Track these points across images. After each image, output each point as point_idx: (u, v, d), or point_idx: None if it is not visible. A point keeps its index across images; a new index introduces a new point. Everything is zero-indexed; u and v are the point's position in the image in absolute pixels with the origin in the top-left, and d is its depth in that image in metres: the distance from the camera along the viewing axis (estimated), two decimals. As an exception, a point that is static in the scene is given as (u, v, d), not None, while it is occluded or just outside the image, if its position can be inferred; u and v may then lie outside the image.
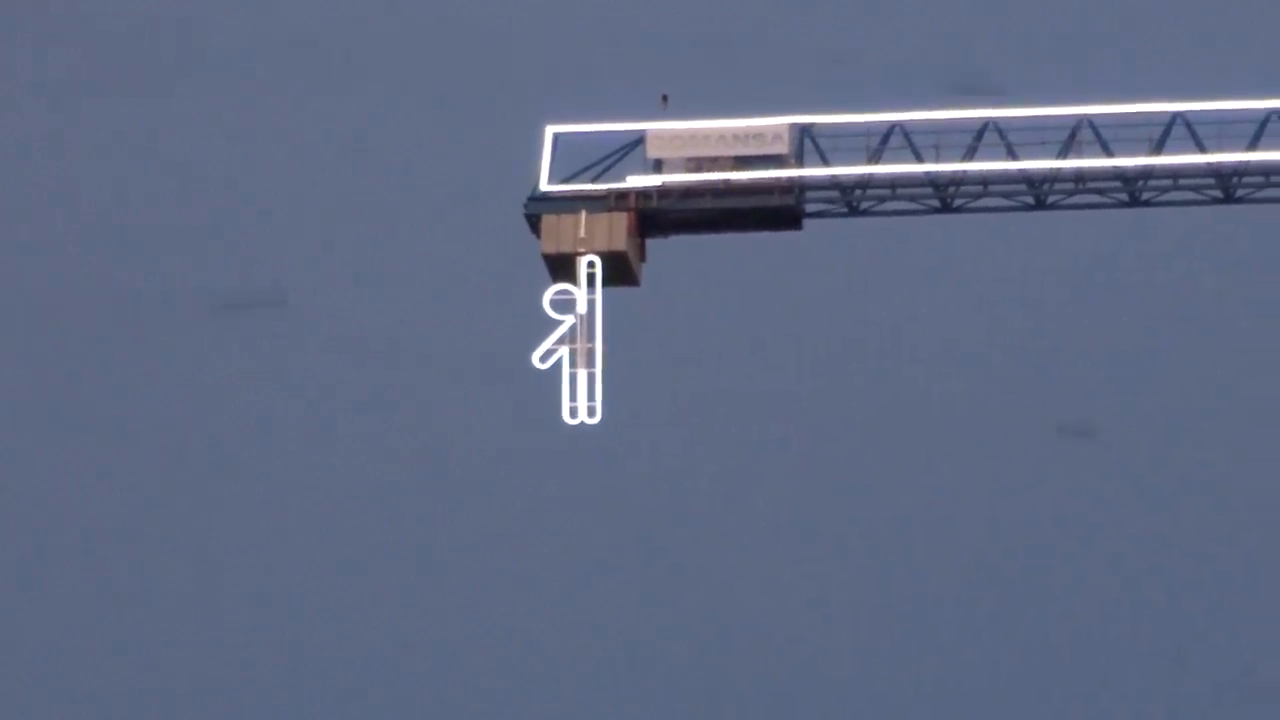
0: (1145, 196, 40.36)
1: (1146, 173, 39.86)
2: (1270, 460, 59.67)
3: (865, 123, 39.82)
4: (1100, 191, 40.35)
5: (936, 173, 39.67)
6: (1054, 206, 40.47)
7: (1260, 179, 40.10)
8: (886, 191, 40.05)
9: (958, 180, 40.01)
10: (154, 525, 75.53)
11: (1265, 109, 39.81)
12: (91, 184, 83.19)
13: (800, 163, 40.15)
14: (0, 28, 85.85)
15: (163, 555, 74.13)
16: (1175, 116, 39.60)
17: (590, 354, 40.58)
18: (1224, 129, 40.19)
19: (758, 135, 40.39)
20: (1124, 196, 40.17)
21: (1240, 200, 40.91)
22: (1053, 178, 39.81)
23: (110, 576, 74.01)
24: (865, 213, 40.41)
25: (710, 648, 60.65)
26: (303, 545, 65.30)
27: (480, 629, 58.86)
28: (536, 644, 58.64)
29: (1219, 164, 39.82)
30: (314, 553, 65.53)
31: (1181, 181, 40.20)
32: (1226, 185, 40.25)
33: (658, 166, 40.26)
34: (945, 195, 40.25)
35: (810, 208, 40.11)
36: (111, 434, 77.65)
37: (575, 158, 40.46)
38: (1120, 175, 39.93)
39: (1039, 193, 40.20)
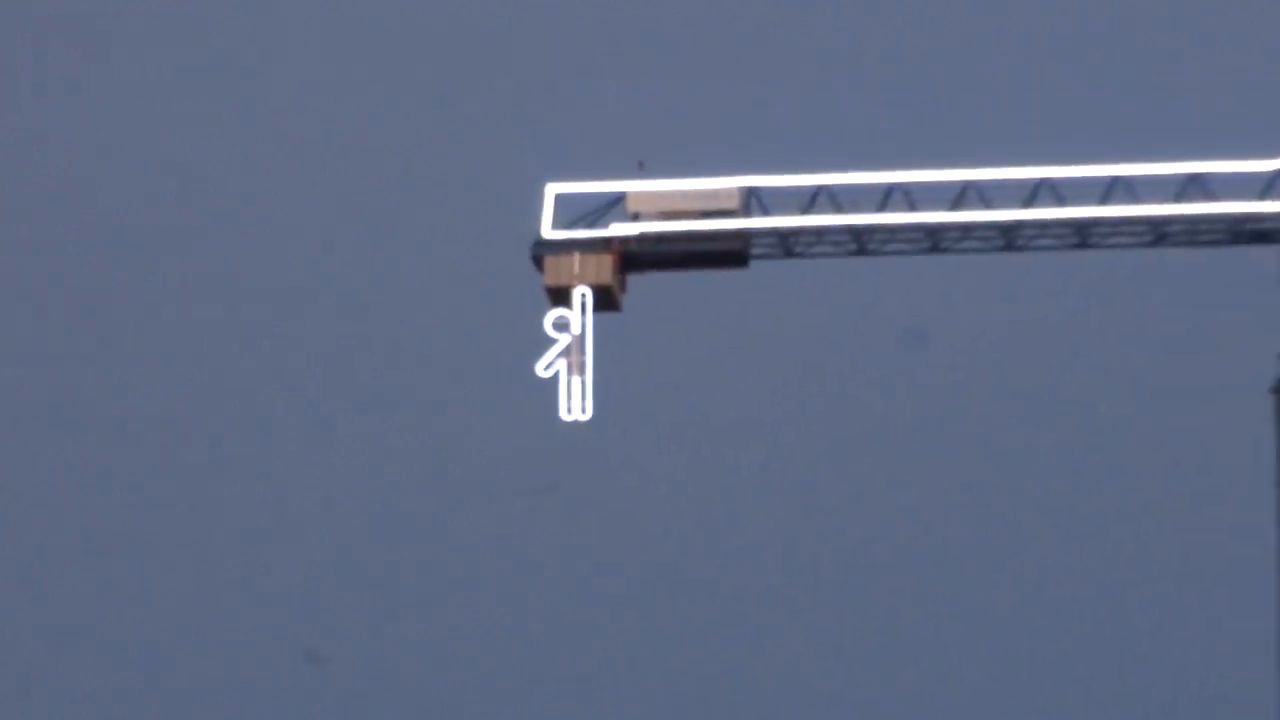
0: (1019, 244, 50.56)
1: (1019, 224, 50.01)
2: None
3: (798, 185, 49.95)
4: (983, 239, 50.60)
5: (854, 224, 49.90)
6: (946, 251, 50.54)
7: (1109, 230, 50.38)
8: (815, 238, 50.30)
9: (871, 230, 50.09)
10: (159, 523, 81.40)
11: (1113, 175, 50.04)
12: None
13: (747, 215, 50.72)
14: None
15: (165, 554, 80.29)
16: (1041, 181, 49.80)
17: (582, 365, 50.28)
18: (1081, 188, 50.35)
19: (714, 194, 49.86)
20: (1001, 244, 50.43)
21: (1097, 247, 51.16)
22: (944, 228, 50.02)
23: (111, 572, 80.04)
24: (799, 255, 50.71)
25: (686, 613, 69.94)
26: (327, 516, 73.36)
27: (485, 594, 68.47)
28: (534, 605, 68.42)
29: (1078, 218, 50.08)
30: (339, 522, 73.51)
31: (1047, 231, 50.50)
32: (1084, 235, 50.48)
33: (635, 218, 49.69)
34: (862, 242, 50.27)
35: (755, 251, 49.52)
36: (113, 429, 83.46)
37: (570, 210, 49.87)
38: (998, 226, 50.14)
39: (935, 240, 50.34)
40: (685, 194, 49.61)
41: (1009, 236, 49.20)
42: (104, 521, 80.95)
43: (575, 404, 49.24)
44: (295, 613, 75.00)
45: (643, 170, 50.10)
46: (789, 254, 49.32)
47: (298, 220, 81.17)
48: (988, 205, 48.54)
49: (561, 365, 49.22)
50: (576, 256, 49.23)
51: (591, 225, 49.57)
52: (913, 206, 48.65)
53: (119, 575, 78.97)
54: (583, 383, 49.12)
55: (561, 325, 49.34)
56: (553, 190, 49.86)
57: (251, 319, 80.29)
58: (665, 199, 49.53)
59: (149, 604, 78.44)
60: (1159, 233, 49.05)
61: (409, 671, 71.53)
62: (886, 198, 48.61)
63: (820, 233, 48.90)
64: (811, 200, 48.74)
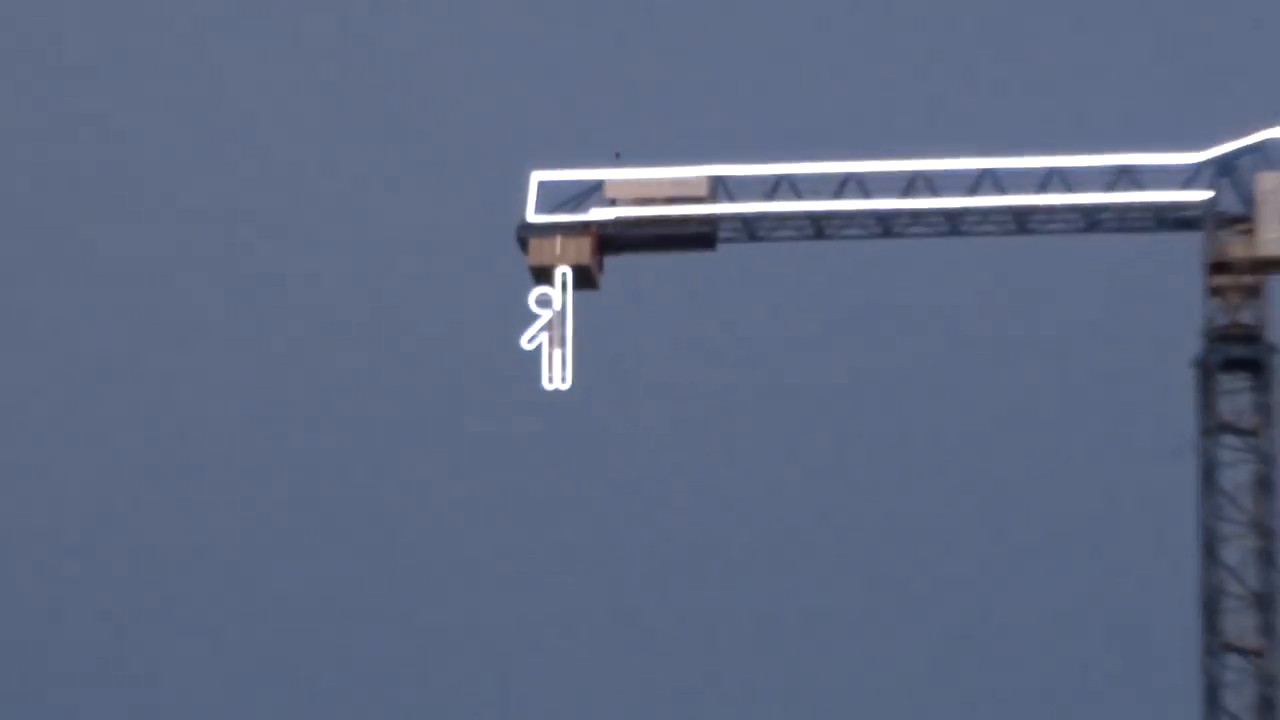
0: (963, 229, 54.99)
1: (964, 211, 54.49)
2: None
3: (761, 174, 54.24)
4: (930, 225, 54.89)
5: (813, 210, 54.35)
6: (897, 235, 54.95)
7: (1046, 217, 54.80)
8: (777, 223, 54.14)
9: (829, 215, 54.53)
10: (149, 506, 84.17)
11: (1050, 166, 54.39)
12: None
13: (714, 202, 54.31)
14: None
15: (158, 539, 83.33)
16: (984, 171, 54.17)
17: (563, 338, 54.41)
18: (1020, 178, 54.51)
19: (684, 182, 53.33)
20: (947, 229, 54.82)
21: (1035, 233, 55.53)
22: (895, 214, 54.37)
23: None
24: (762, 239, 55.07)
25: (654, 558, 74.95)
26: (318, 483, 77.57)
27: (470, 548, 73.69)
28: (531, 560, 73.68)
29: (1017, 205, 54.39)
30: (334, 488, 77.66)
31: (989, 217, 54.83)
32: (1023, 222, 54.85)
33: (612, 203, 53.48)
34: (820, 227, 54.54)
35: (722, 235, 53.41)
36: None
37: (553, 197, 53.33)
38: (944, 213, 54.49)
39: (887, 226, 54.68)
40: (658, 182, 53.67)
41: (954, 223, 53.67)
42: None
43: (556, 374, 53.45)
44: (286, 583, 79.09)
45: (619, 160, 54.33)
46: (753, 238, 53.46)
47: (293, 205, 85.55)
48: (935, 193, 52.69)
49: (544, 338, 53.21)
50: (558, 239, 53.34)
51: (572, 210, 53.51)
52: (866, 194, 52.67)
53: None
54: (563, 354, 53.20)
55: (544, 302, 53.29)
56: (537, 177, 53.71)
57: (244, 296, 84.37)
58: (639, 187, 53.64)
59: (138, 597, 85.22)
60: (1091, 220, 53.45)
61: (396, 639, 76.22)
62: (842, 186, 52.69)
63: (782, 218, 53.23)
64: (774, 188, 53.07)
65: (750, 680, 73.62)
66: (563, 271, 53.58)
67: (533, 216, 53.69)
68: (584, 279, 53.73)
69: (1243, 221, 53.09)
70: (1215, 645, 51.80)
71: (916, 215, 53.18)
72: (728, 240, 54.03)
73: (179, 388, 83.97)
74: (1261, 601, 52.03)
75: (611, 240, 53.86)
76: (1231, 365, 52.27)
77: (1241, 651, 52.10)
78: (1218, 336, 52.78)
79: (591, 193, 53.96)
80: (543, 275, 53.66)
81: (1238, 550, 52.60)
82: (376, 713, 75.21)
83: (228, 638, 78.66)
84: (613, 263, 54.25)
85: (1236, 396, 52.79)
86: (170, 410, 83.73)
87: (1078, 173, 53.32)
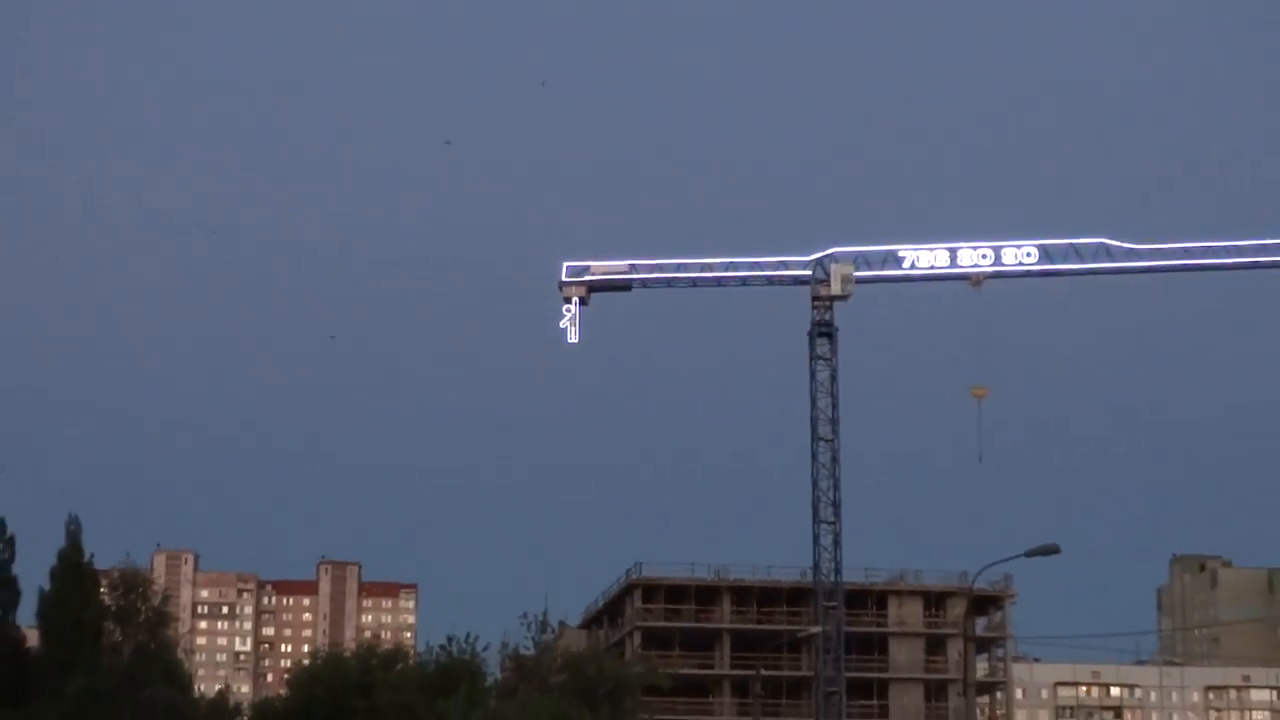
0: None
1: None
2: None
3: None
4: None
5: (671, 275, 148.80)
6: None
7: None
8: (649, 281, 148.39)
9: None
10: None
11: None
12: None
13: (630, 274, 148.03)
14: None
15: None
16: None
17: (575, 322, 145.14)
18: None
19: (615, 266, 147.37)
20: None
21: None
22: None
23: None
24: (647, 287, 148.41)
25: None
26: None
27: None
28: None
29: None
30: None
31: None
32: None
33: (591, 273, 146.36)
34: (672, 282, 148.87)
35: (633, 286, 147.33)
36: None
37: (570, 270, 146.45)
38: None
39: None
40: (608, 266, 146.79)
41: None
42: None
43: (573, 337, 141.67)
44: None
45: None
46: (644, 286, 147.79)
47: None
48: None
49: (568, 322, 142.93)
50: (573, 286, 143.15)
51: (577, 274, 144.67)
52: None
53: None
54: (576, 330, 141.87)
55: (568, 310, 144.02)
56: (565, 262, 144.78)
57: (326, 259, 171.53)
58: (603, 269, 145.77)
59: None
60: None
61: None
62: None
63: (648, 280, 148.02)
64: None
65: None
66: (575, 298, 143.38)
67: (563, 278, 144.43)
68: (584, 301, 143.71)
69: None
70: None
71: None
72: (637, 288, 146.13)
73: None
74: None
75: (594, 286, 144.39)
76: None
77: None
78: None
79: (586, 268, 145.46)
80: (568, 300, 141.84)
81: None
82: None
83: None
84: (596, 297, 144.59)
85: None
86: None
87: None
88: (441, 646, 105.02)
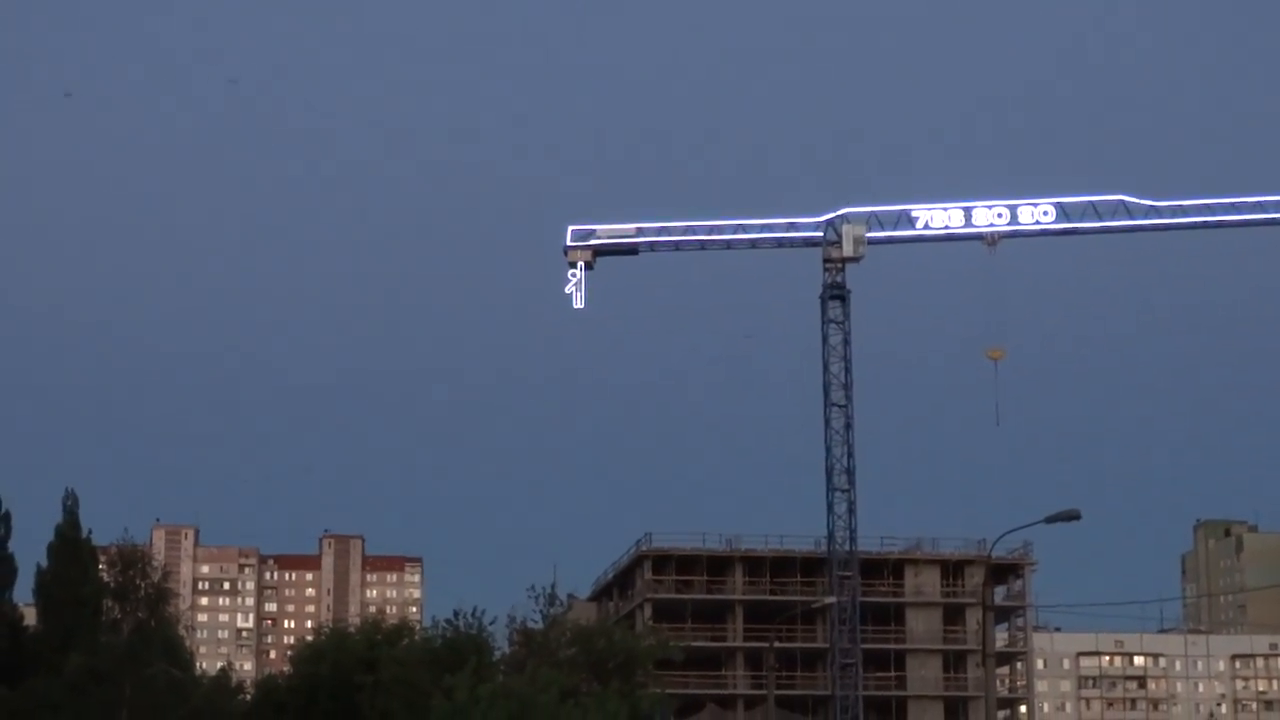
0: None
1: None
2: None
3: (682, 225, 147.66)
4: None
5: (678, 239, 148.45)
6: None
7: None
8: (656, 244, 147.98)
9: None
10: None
11: None
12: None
13: (636, 237, 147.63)
14: None
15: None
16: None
17: (581, 287, 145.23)
18: None
19: (623, 230, 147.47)
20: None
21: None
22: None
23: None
24: (652, 251, 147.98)
25: None
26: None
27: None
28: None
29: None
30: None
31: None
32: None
33: (597, 237, 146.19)
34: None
35: (640, 250, 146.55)
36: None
37: (575, 234, 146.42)
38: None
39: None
40: (615, 230, 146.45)
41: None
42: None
43: (578, 302, 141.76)
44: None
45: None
46: (652, 250, 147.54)
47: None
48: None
49: (573, 288, 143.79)
50: (578, 250, 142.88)
51: (583, 239, 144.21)
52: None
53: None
54: (581, 295, 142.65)
55: (573, 275, 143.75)
56: (570, 226, 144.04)
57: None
58: (609, 232, 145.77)
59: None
60: None
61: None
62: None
63: (655, 242, 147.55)
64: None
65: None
66: (580, 263, 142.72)
67: (568, 242, 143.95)
68: (589, 266, 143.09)
69: None
70: None
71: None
72: (644, 252, 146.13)
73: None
74: None
75: (600, 250, 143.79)
76: None
77: None
78: None
79: (592, 232, 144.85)
80: (573, 265, 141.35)
81: None
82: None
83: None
84: (602, 261, 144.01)
85: None
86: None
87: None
88: (448, 621, 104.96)
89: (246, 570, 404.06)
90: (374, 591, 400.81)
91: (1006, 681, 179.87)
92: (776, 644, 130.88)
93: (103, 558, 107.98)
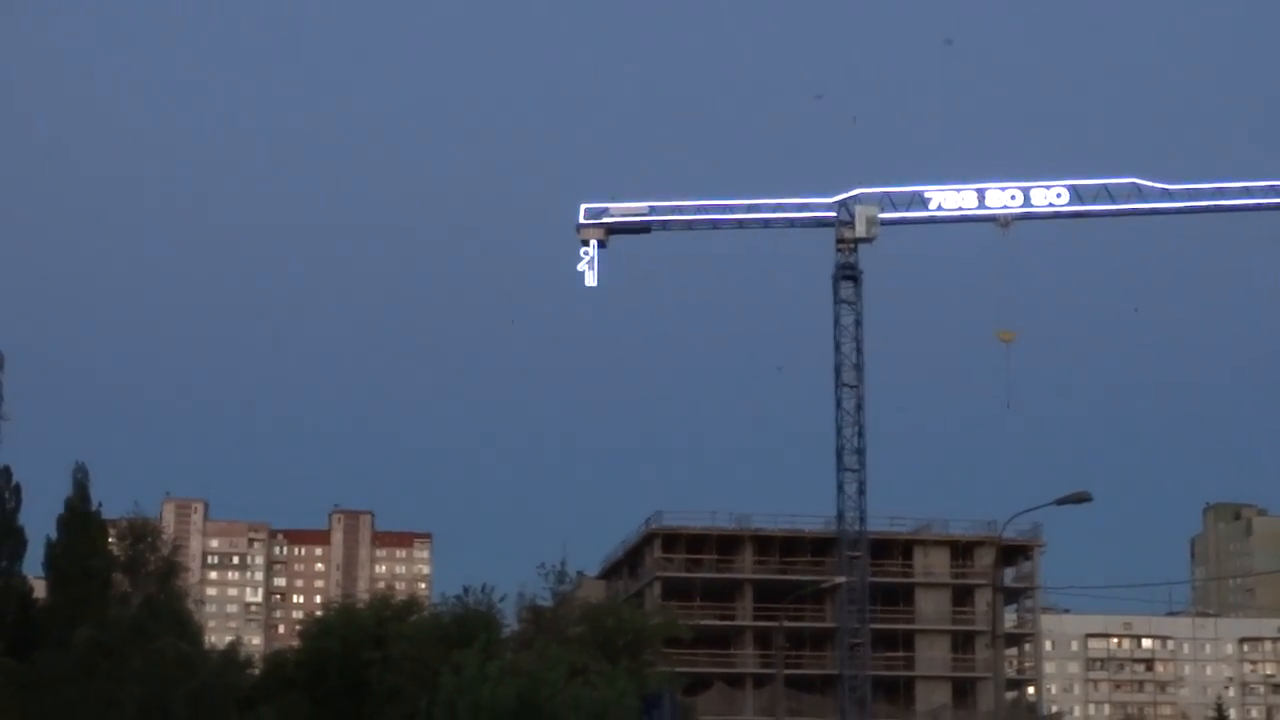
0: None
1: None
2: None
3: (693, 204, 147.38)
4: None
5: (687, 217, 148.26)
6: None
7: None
8: (668, 223, 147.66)
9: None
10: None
11: None
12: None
13: (649, 216, 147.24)
14: None
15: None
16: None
17: (593, 265, 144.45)
18: None
19: (635, 208, 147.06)
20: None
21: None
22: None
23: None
24: (666, 230, 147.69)
25: None
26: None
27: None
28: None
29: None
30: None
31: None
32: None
33: (610, 216, 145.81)
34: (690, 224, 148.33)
35: (652, 229, 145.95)
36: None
37: (588, 212, 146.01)
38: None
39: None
40: (627, 208, 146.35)
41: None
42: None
43: (590, 280, 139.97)
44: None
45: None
46: (665, 229, 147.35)
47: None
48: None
49: (585, 265, 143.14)
50: (591, 228, 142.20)
51: (596, 217, 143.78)
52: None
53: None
54: (594, 273, 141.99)
55: (586, 253, 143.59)
56: (583, 206, 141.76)
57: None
58: (622, 210, 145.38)
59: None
60: None
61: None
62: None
63: (666, 220, 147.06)
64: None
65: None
66: (594, 241, 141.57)
67: (580, 220, 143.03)
68: (602, 244, 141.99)
69: None
70: None
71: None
72: (656, 231, 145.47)
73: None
74: None
75: (612, 228, 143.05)
76: None
77: None
78: None
79: (605, 210, 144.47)
80: (585, 243, 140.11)
81: None
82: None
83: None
84: (614, 239, 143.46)
85: None
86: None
87: None
88: (457, 597, 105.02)
89: (256, 545, 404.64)
90: (383, 567, 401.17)
91: (1015, 663, 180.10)
92: (785, 623, 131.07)
93: (112, 531, 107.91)
